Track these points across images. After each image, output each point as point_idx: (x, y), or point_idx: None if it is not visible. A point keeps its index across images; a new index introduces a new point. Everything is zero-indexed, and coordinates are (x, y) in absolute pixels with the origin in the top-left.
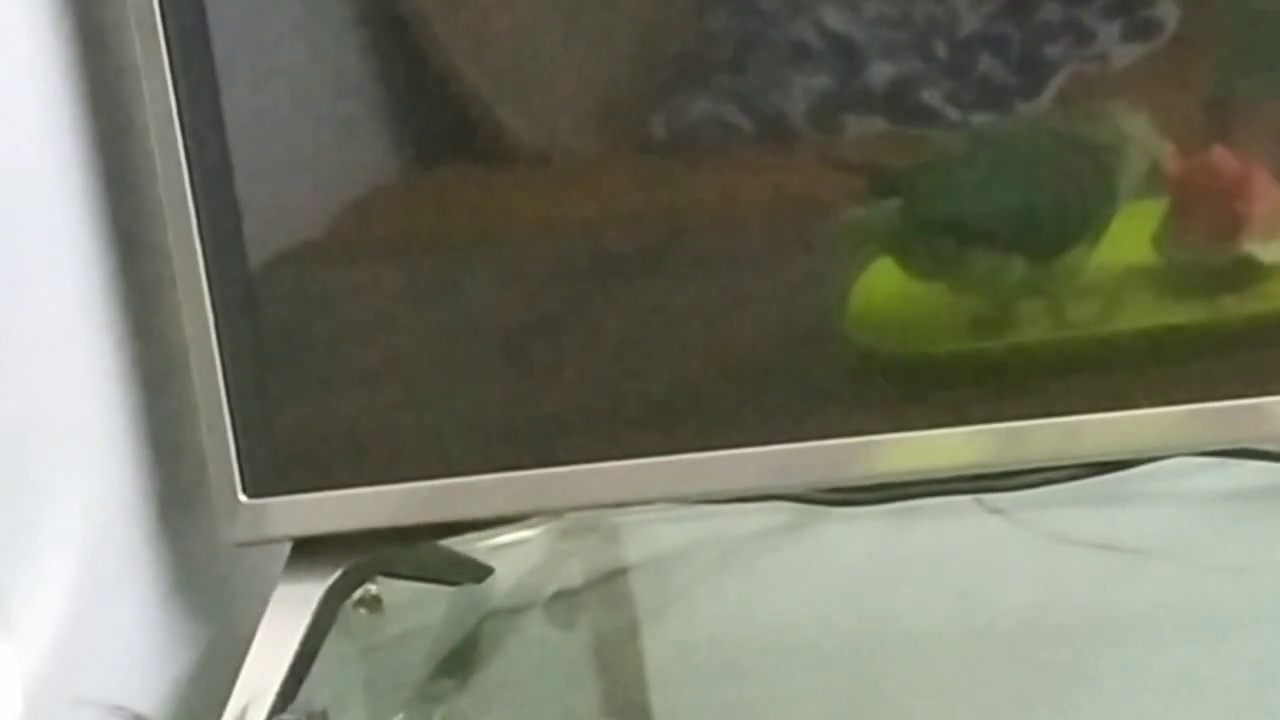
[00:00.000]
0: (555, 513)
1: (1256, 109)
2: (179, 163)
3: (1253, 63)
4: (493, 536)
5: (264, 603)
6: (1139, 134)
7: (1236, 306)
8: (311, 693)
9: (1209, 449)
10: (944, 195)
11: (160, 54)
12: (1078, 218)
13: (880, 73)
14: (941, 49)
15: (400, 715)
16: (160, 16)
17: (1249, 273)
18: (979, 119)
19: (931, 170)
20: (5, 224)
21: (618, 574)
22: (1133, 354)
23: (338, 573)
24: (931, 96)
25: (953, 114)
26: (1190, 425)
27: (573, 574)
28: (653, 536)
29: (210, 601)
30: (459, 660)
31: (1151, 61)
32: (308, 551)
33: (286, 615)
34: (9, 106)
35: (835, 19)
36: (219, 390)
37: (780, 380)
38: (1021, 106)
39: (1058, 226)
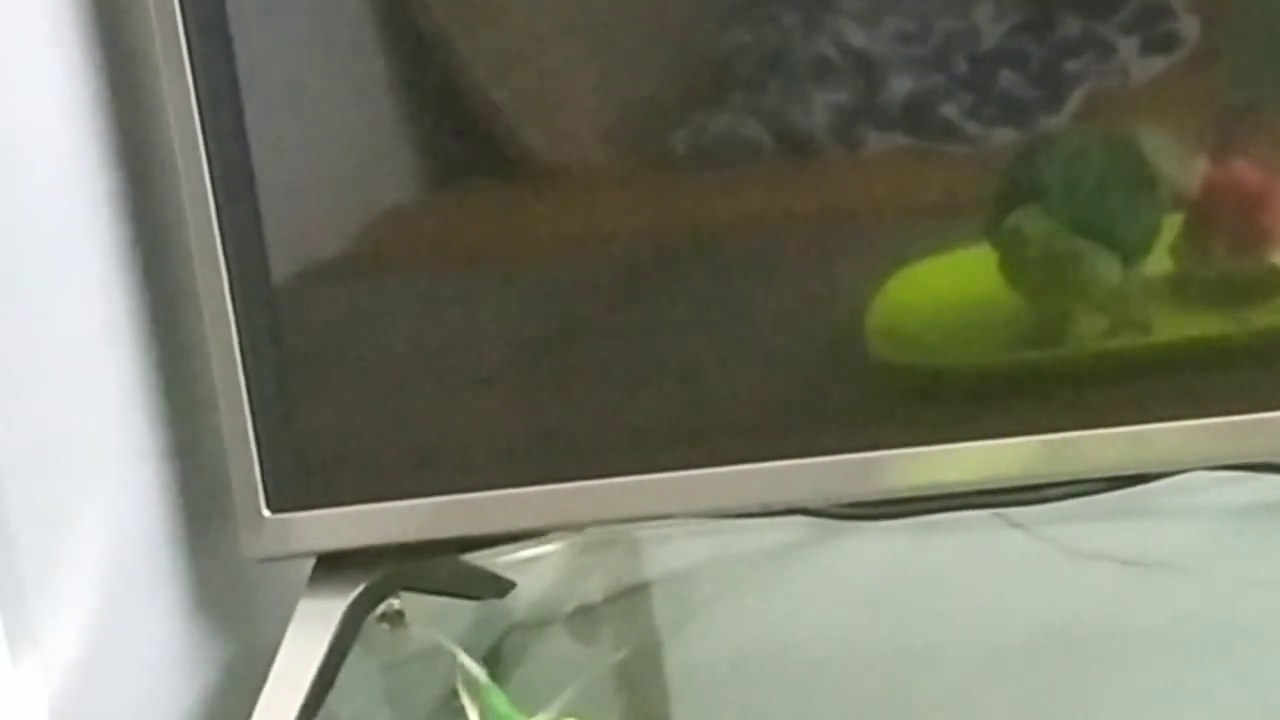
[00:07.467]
0: (577, 528)
1: (1278, 121)
2: (202, 180)
3: (1274, 75)
4: (514, 551)
5: (287, 618)
6: (1162, 148)
7: (1257, 320)
8: (334, 707)
9: (1229, 463)
10: (1071, 186)
11: (184, 73)
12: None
13: (901, 87)
14: (963, 64)
15: None
16: (184, 34)
17: (1271, 286)
18: (1001, 133)
19: (1056, 158)
20: (31, 245)
21: (639, 589)
22: (1153, 368)
23: (360, 588)
24: (951, 111)
25: (974, 129)
26: (1210, 439)
27: (594, 589)
28: (674, 551)
29: (234, 617)
30: None
31: (1172, 75)
32: (331, 566)
33: (310, 630)
34: (35, 133)
35: (856, 35)
36: (242, 406)
37: (801, 395)
38: (1042, 121)
39: (1143, 225)
